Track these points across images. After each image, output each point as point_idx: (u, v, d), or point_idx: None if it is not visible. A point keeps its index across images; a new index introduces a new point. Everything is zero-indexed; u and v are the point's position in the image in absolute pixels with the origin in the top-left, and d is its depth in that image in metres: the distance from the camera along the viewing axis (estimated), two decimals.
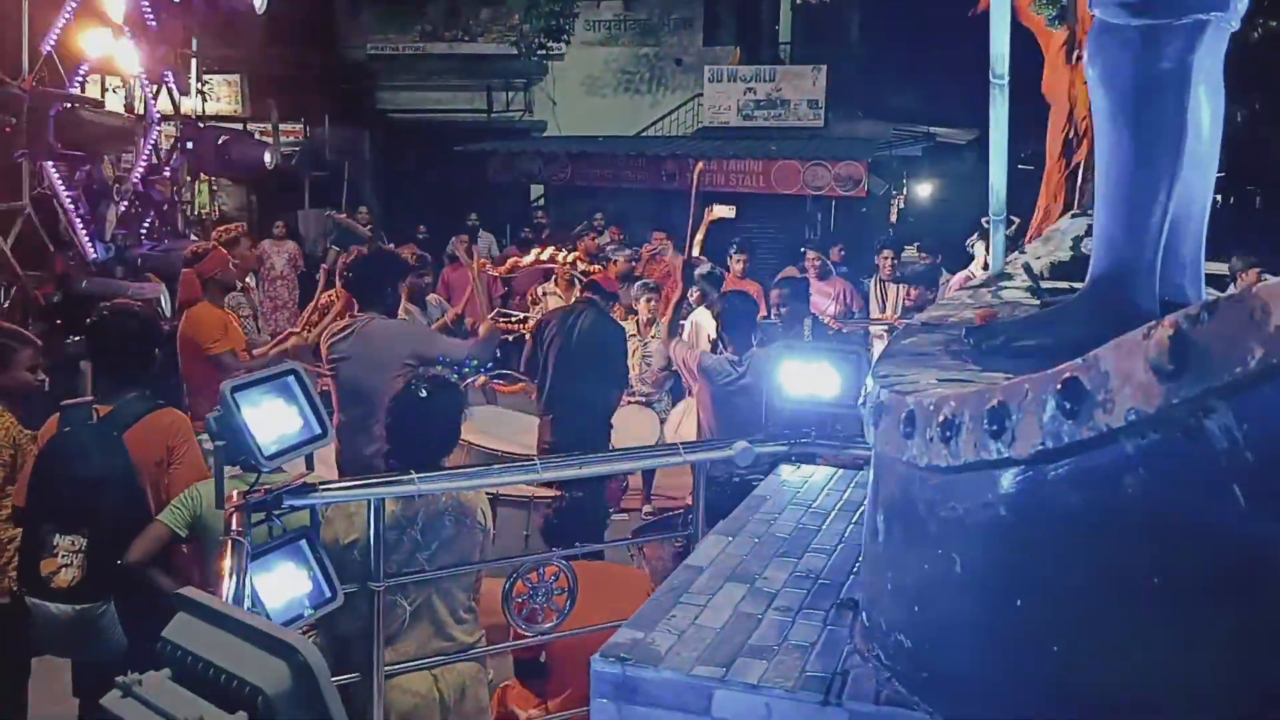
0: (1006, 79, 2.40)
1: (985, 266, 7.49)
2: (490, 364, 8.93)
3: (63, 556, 3.30)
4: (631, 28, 18.41)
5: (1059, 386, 1.01)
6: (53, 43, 6.35)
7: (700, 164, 7.83)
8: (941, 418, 1.25)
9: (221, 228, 6.03)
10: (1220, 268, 5.11)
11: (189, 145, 7.65)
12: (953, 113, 16.72)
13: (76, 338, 5.62)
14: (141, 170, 6.99)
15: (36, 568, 3.31)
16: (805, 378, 3.24)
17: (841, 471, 2.95)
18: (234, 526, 2.43)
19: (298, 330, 5.94)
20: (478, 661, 3.24)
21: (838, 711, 1.60)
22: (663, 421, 7.12)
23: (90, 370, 5.66)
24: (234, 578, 2.17)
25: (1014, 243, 8.24)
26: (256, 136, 10.05)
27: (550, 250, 8.54)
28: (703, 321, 7.32)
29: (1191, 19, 1.70)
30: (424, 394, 3.10)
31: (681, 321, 7.33)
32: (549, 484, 4.72)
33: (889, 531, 1.56)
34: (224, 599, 2.08)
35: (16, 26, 6.12)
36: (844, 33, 18.65)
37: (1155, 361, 0.87)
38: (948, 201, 18.43)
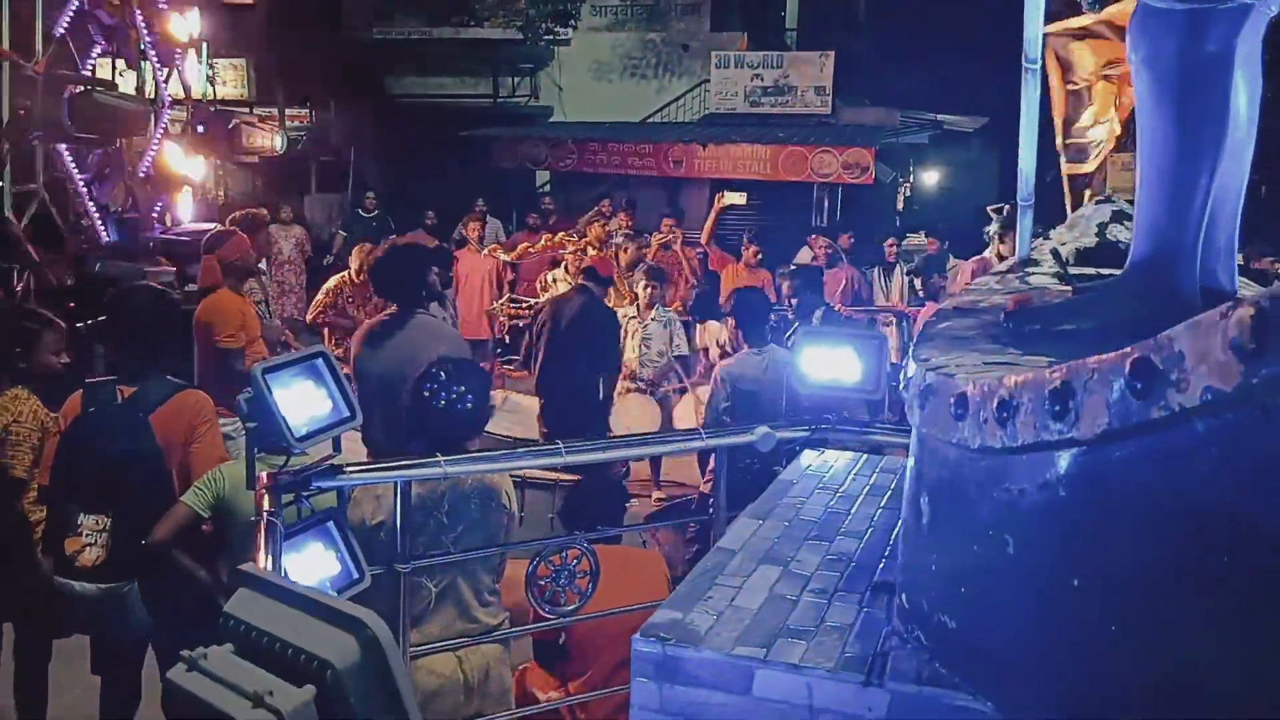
0: (1039, 63, 2.40)
1: (999, 255, 7.52)
2: (500, 349, 8.95)
3: (87, 536, 3.32)
4: (638, 13, 18.34)
5: (1129, 367, 1.01)
6: (65, 25, 6.34)
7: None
8: (998, 399, 1.26)
9: (242, 212, 6.01)
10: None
11: (200, 129, 7.63)
12: (960, 100, 16.68)
13: (91, 320, 5.62)
14: (154, 154, 6.98)
15: (61, 547, 3.33)
16: (827, 364, 3.24)
17: (866, 456, 2.96)
18: (265, 507, 2.44)
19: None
20: (501, 643, 3.26)
21: (879, 692, 1.61)
22: (664, 410, 7.13)
23: (106, 351, 5.68)
24: (269, 558, 2.18)
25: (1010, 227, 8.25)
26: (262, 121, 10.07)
27: (560, 236, 8.56)
28: (712, 329, 7.34)
29: (1237, 3, 1.70)
30: (445, 374, 3.11)
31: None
32: (570, 468, 4.74)
33: (934, 513, 1.56)
34: None
35: (30, 8, 6.11)
36: (851, 19, 18.59)
37: (1236, 340, 0.87)
38: (954, 189, 18.42)
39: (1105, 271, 2.59)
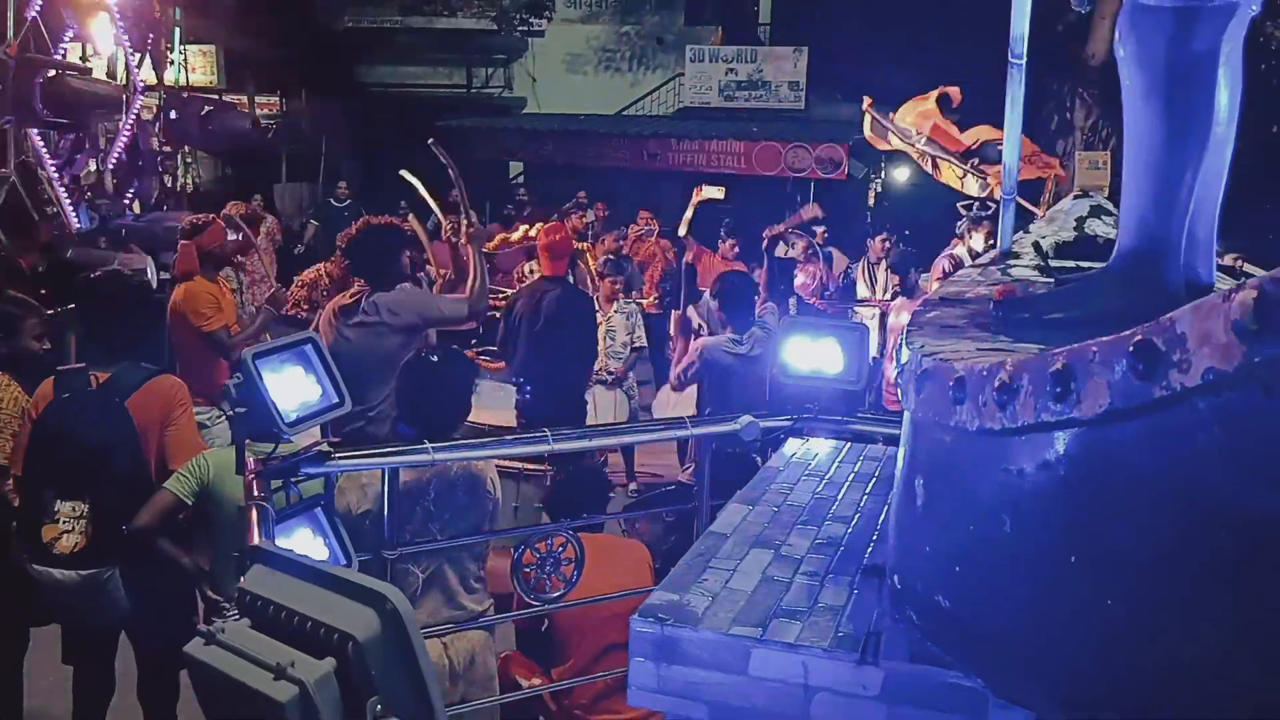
0: (1024, 59, 2.44)
1: (969, 250, 7.62)
2: (474, 339, 8.94)
3: (64, 522, 3.30)
4: (613, 5, 18.36)
5: (1131, 348, 1.05)
6: (38, 8, 6.25)
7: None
8: (998, 382, 1.29)
9: (238, 204, 6.00)
10: None
11: (172, 115, 7.55)
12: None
13: (62, 307, 5.56)
14: (125, 140, 6.90)
15: (38, 534, 3.30)
16: (811, 354, 3.28)
17: (849, 444, 3.00)
18: (255, 493, 2.43)
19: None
20: (486, 631, 3.28)
21: (873, 670, 1.65)
22: (630, 400, 7.16)
23: (76, 337, 5.63)
24: (262, 543, 2.18)
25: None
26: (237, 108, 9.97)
27: (538, 227, 8.55)
28: (689, 314, 7.38)
29: (1223, 2, 1.74)
30: (435, 359, 3.13)
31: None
32: (538, 458, 4.76)
33: (930, 496, 1.60)
34: None
35: None
36: (824, 14, 18.66)
37: (1239, 322, 0.91)
38: (924, 185, 18.52)
39: (1085, 265, 2.65)
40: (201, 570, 3.35)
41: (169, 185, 8.28)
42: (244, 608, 1.21)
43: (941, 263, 7.29)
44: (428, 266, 6.70)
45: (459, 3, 17.93)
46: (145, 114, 7.20)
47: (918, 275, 6.52)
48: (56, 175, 6.16)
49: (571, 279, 6.43)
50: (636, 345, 7.01)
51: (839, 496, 2.49)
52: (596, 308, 6.72)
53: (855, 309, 8.18)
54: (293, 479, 2.63)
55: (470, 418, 5.67)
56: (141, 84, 7.09)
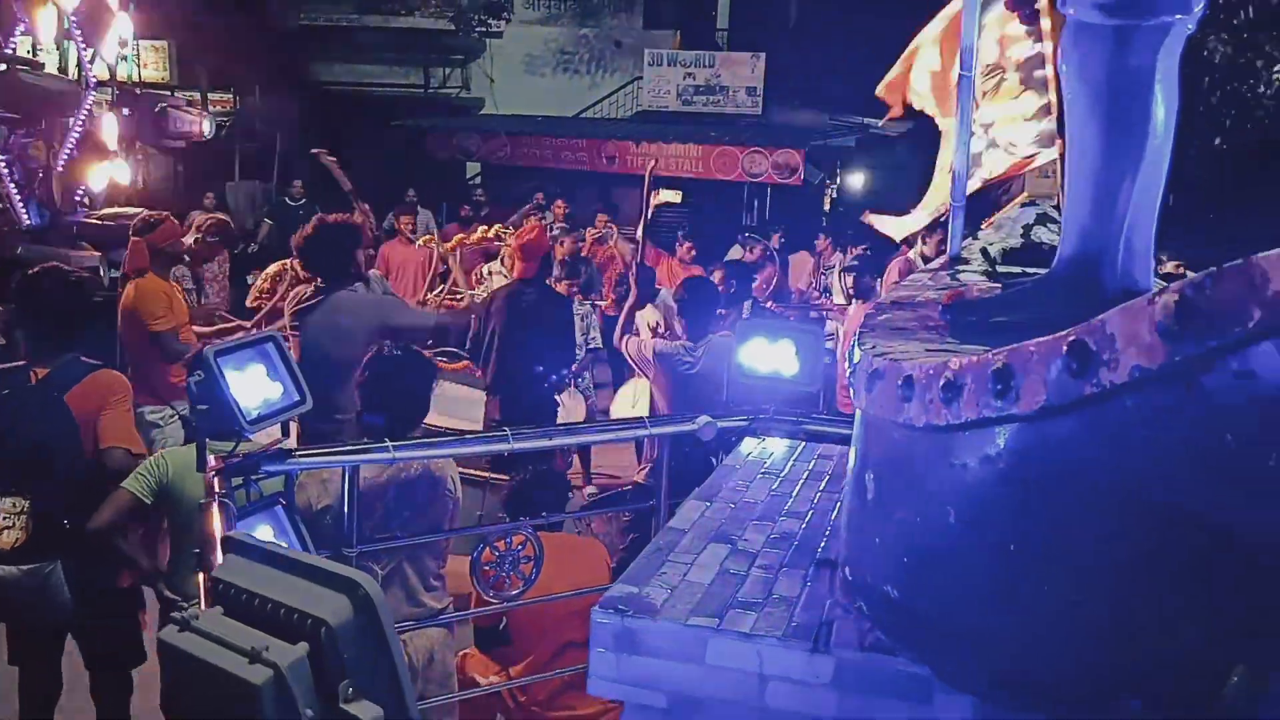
0: (974, 72, 2.53)
1: (922, 255, 7.77)
2: (430, 340, 8.92)
3: (4, 519, 3.27)
4: (571, 7, 18.39)
5: (1065, 348, 1.12)
6: None
7: (654, 164, 7.88)
8: (943, 380, 1.36)
9: (208, 217, 5.98)
10: None
11: (125, 112, 7.46)
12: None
13: (7, 304, 5.49)
14: (76, 136, 6.81)
15: None
16: (768, 356, 3.36)
17: (804, 444, 3.07)
18: (216, 490, 2.45)
19: (246, 323, 5.84)
20: (445, 628, 3.31)
21: (825, 659, 1.71)
22: (588, 400, 7.19)
23: (18, 334, 5.55)
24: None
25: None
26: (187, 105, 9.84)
27: (497, 228, 8.57)
28: (643, 313, 7.44)
29: (1158, 20, 1.83)
30: (399, 353, 3.16)
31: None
32: (503, 469, 4.79)
33: (879, 490, 1.67)
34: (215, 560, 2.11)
35: None
36: (782, 21, 18.87)
37: (1162, 323, 0.98)
38: (879, 192, 18.78)
39: (1030, 270, 2.74)
40: (159, 570, 3.34)
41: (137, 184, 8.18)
42: (217, 596, 1.24)
43: (895, 266, 7.44)
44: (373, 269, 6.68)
45: (416, 2, 17.86)
46: (97, 110, 7.09)
47: (873, 280, 6.65)
48: (7, 171, 6.07)
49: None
50: (591, 346, 7.05)
51: (793, 494, 2.55)
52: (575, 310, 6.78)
53: (815, 313, 8.31)
54: (253, 476, 2.64)
55: (434, 421, 5.71)
56: (94, 79, 6.99)
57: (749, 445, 3.09)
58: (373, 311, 4.45)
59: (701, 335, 5.17)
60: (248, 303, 6.29)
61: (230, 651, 1.13)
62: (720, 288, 7.45)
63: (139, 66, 9.40)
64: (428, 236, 9.67)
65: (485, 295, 6.81)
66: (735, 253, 9.83)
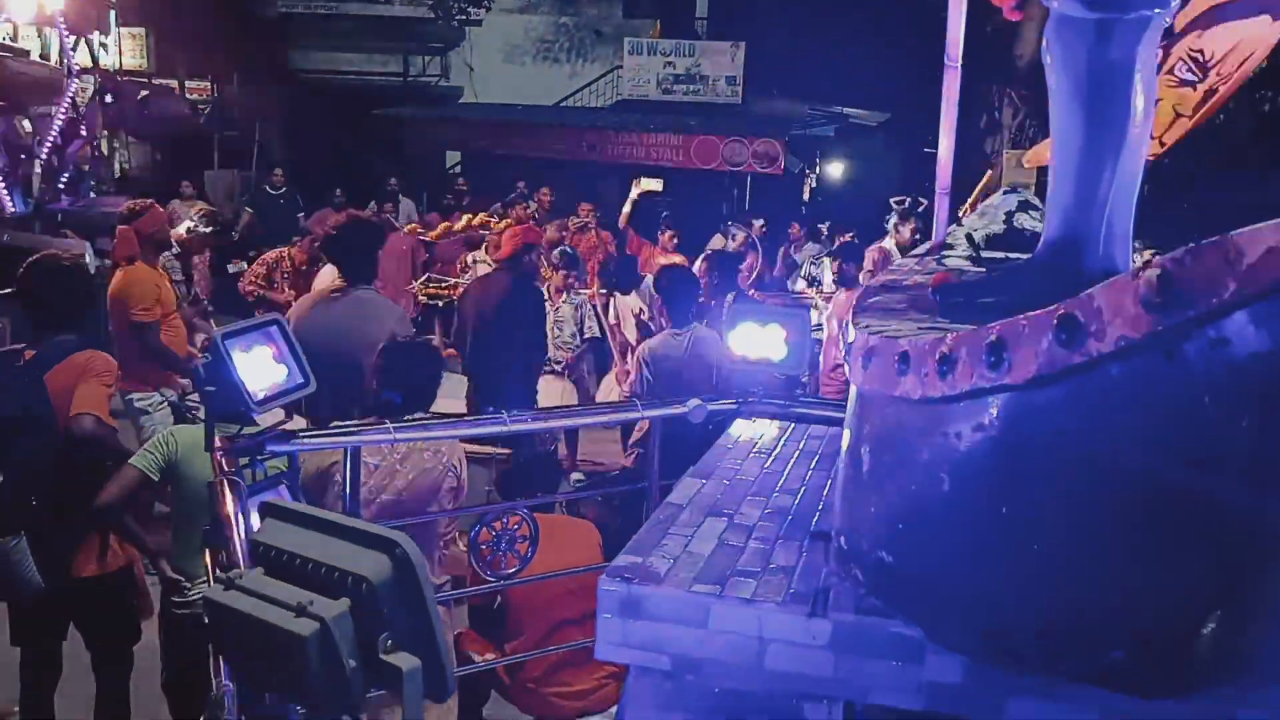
0: (959, 62, 2.62)
1: (897, 243, 7.89)
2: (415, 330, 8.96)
3: None
4: None
5: (1055, 321, 1.21)
6: None
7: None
8: (939, 354, 1.45)
9: (199, 207, 6.02)
10: None
11: (108, 99, 7.44)
12: (865, 95, 17.17)
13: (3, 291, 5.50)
14: (60, 124, 6.80)
15: None
16: (757, 340, 3.44)
17: (793, 425, 3.16)
18: (225, 468, 2.51)
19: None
20: (444, 605, 3.38)
21: (823, 622, 1.80)
22: (579, 390, 7.26)
23: (13, 321, 5.56)
24: (236, 515, 2.26)
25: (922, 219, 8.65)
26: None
27: (482, 216, 8.61)
28: (627, 301, 7.50)
29: (1138, 14, 1.93)
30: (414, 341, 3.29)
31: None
32: (489, 441, 4.87)
33: (874, 461, 1.76)
34: (237, 535, 2.18)
35: None
36: (761, 10, 18.94)
37: (1145, 296, 1.07)
38: (857, 181, 18.95)
39: (1013, 255, 2.84)
40: (161, 549, 3.39)
41: (108, 172, 8.16)
42: (258, 558, 1.31)
43: (871, 254, 7.55)
44: None
45: None
46: (80, 97, 7.08)
47: (855, 268, 6.75)
48: None
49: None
50: (588, 336, 7.11)
51: (785, 471, 2.64)
52: (546, 297, 6.82)
53: (798, 300, 8.40)
54: (259, 457, 2.70)
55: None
56: (77, 67, 6.97)
57: (740, 426, 3.18)
58: (395, 318, 4.54)
59: (684, 323, 5.26)
60: (242, 287, 6.32)
61: (276, 607, 1.20)
62: (704, 280, 7.55)
63: (120, 54, 9.33)
64: (412, 225, 9.69)
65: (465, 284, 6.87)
66: (717, 242, 9.90)
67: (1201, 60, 3.91)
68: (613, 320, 7.36)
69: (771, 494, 2.44)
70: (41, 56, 7.25)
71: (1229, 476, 1.18)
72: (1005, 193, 3.44)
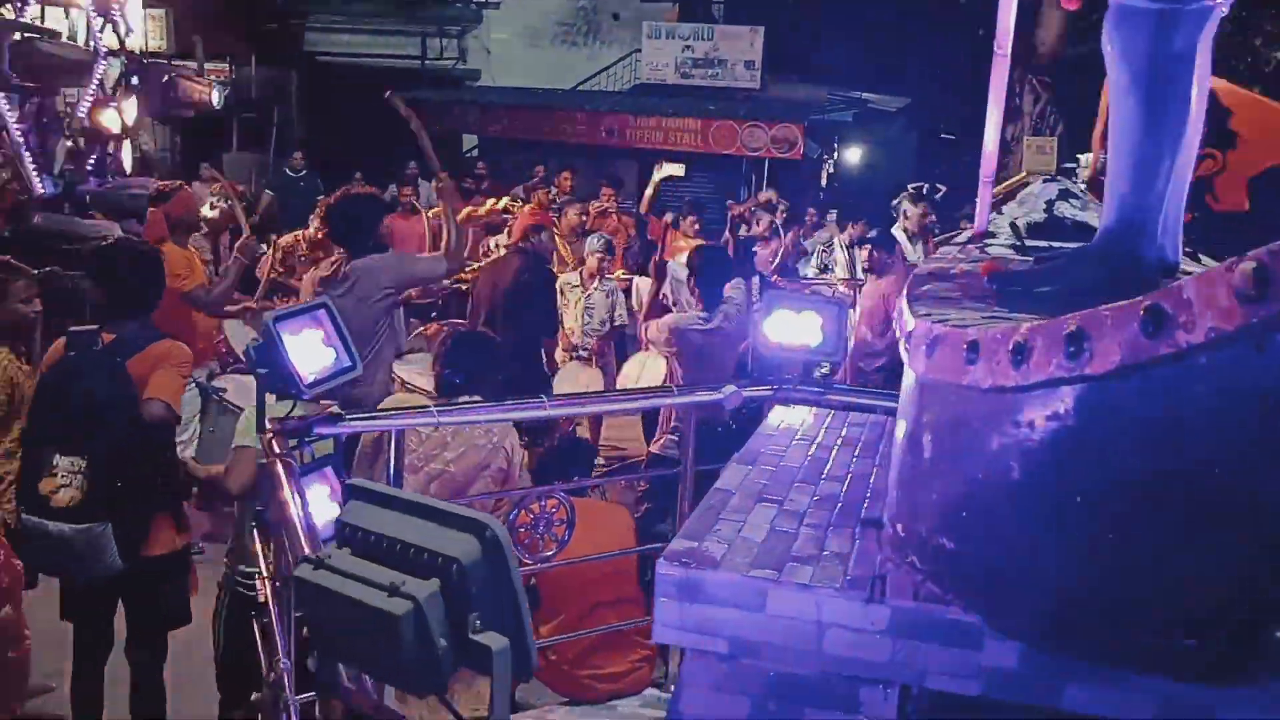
0: (1009, 50, 2.61)
1: (905, 230, 7.87)
2: (434, 313, 8.98)
3: (62, 477, 3.36)
4: None
5: (1142, 312, 1.22)
6: None
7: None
8: (1012, 344, 1.46)
9: (220, 184, 6.05)
10: None
11: (135, 81, 7.47)
12: (884, 80, 17.09)
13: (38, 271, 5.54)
14: (89, 105, 6.83)
15: (36, 487, 3.36)
16: (792, 327, 3.45)
17: (832, 412, 3.17)
18: (276, 450, 2.54)
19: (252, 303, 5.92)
20: None
21: (880, 608, 1.82)
22: (607, 378, 7.26)
23: (89, 302, 5.62)
24: (292, 494, 2.29)
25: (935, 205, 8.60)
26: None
27: (505, 201, 8.62)
28: (642, 285, 7.51)
29: (1198, 5, 1.92)
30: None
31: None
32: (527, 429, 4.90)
33: (937, 449, 1.77)
34: (295, 514, 2.21)
35: None
36: None
37: (1240, 289, 1.08)
38: (875, 166, 18.86)
39: (1056, 244, 2.84)
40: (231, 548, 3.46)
41: (138, 154, 8.20)
42: (344, 539, 1.33)
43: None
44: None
45: None
46: (108, 79, 7.11)
47: (887, 257, 6.74)
48: (21, 140, 6.09)
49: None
50: (617, 323, 7.11)
51: (830, 459, 2.66)
52: (577, 283, 6.84)
53: (824, 285, 8.38)
54: (307, 439, 2.73)
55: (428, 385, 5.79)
56: (105, 49, 7.00)
57: (779, 413, 3.19)
58: (386, 271, 4.56)
59: (715, 304, 5.27)
60: (260, 273, 6.35)
61: (368, 587, 1.23)
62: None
63: (146, 36, 9.36)
64: (436, 209, 9.68)
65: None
66: (740, 229, 9.87)
67: None
68: (635, 305, 7.37)
69: (819, 481, 2.46)
70: (69, 38, 7.27)
71: None
72: (1046, 181, 3.44)
